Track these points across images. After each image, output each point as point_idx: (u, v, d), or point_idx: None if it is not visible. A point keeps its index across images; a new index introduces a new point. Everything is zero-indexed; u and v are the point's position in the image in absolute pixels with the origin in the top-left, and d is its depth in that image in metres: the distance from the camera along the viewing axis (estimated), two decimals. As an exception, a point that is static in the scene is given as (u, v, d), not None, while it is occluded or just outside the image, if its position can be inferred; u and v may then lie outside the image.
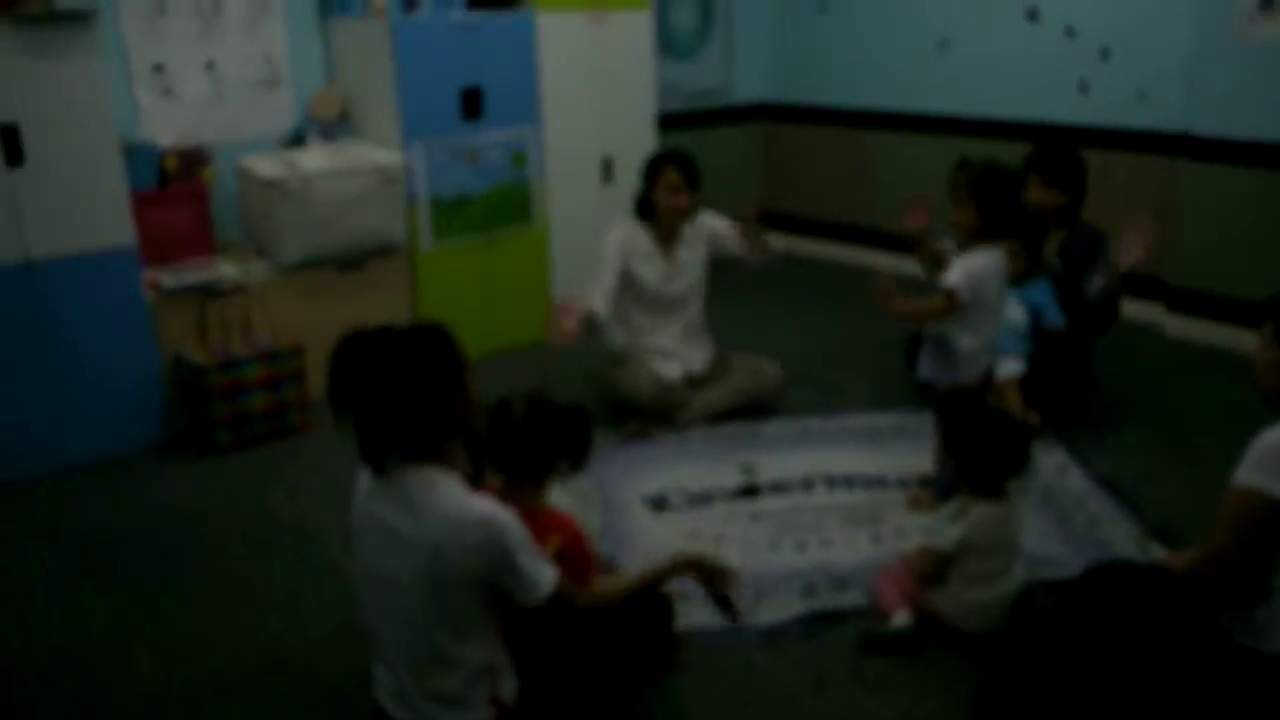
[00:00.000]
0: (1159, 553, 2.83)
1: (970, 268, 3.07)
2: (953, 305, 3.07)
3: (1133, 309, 4.57)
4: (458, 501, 1.88)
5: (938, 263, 3.44)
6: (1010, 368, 3.47)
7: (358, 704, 2.31)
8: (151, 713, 2.39)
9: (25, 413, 3.49)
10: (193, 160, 3.93)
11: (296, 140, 4.38)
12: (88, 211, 3.48)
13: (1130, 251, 3.41)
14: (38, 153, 3.34)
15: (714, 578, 2.31)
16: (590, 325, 3.61)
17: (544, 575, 1.94)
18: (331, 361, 1.87)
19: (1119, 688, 2.12)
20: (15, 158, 3.30)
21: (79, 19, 3.33)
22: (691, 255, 3.85)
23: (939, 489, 3.12)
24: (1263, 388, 2.14)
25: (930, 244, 3.59)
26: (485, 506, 1.90)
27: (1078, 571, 2.62)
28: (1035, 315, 3.57)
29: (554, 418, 2.23)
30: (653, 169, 3.75)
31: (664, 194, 3.70)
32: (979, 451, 2.50)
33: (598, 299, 3.63)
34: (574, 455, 2.25)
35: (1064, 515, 3.10)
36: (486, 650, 1.98)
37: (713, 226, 3.88)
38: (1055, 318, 3.61)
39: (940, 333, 3.22)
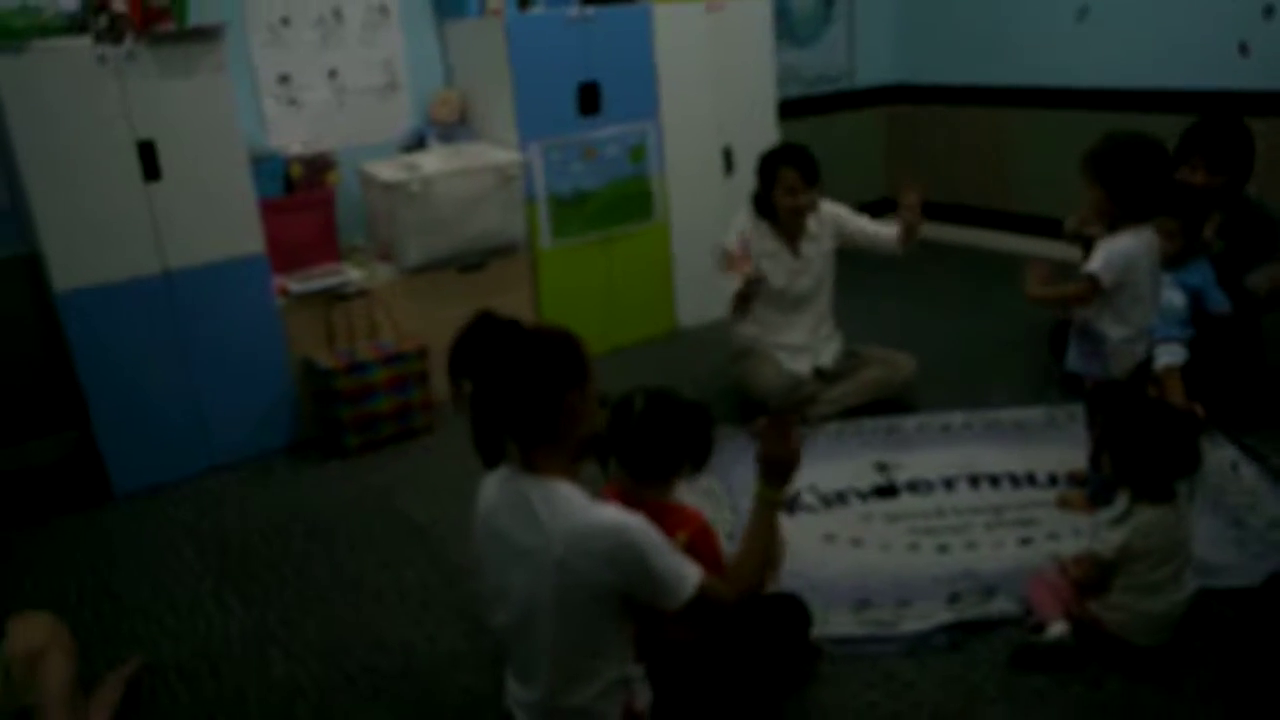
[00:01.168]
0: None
1: (1114, 251, 2.77)
2: (1094, 291, 2.80)
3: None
4: (581, 511, 1.81)
5: (1087, 244, 3.19)
6: (1171, 354, 3.21)
7: (489, 712, 2.28)
8: (285, 714, 2.41)
9: (170, 418, 3.61)
10: (317, 167, 4.00)
11: (416, 143, 4.41)
12: (220, 222, 3.57)
13: None
14: (173, 167, 3.43)
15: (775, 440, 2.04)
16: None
17: (687, 573, 1.84)
18: (457, 338, 1.84)
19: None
20: (153, 173, 3.41)
21: (208, 35, 3.42)
22: (817, 249, 3.71)
23: (1093, 489, 2.90)
24: None
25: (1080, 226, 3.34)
26: (610, 513, 1.83)
27: (1258, 579, 2.45)
28: (1196, 298, 3.30)
29: (674, 415, 2.14)
30: (768, 170, 3.61)
31: (783, 195, 3.57)
32: (1144, 450, 2.29)
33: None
34: (695, 455, 2.16)
35: (1238, 517, 2.84)
36: (621, 662, 1.91)
37: (838, 216, 3.72)
38: (1218, 300, 3.33)
39: (1087, 321, 2.98)
